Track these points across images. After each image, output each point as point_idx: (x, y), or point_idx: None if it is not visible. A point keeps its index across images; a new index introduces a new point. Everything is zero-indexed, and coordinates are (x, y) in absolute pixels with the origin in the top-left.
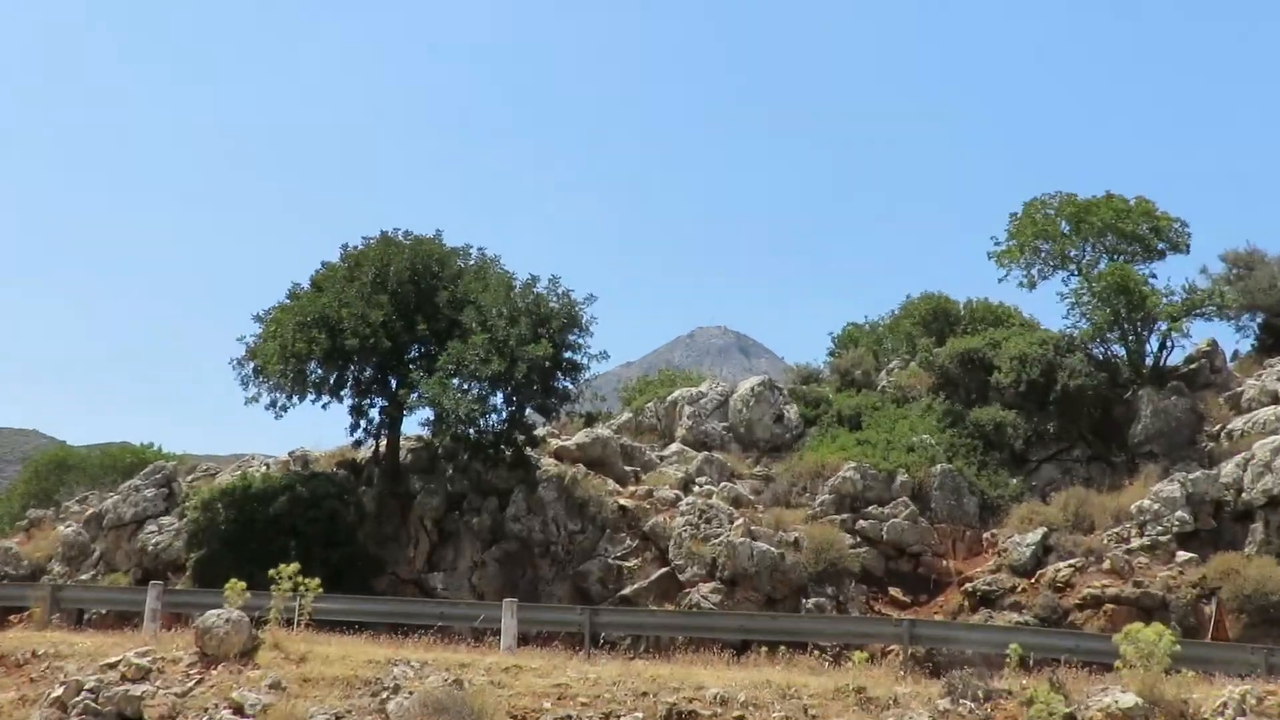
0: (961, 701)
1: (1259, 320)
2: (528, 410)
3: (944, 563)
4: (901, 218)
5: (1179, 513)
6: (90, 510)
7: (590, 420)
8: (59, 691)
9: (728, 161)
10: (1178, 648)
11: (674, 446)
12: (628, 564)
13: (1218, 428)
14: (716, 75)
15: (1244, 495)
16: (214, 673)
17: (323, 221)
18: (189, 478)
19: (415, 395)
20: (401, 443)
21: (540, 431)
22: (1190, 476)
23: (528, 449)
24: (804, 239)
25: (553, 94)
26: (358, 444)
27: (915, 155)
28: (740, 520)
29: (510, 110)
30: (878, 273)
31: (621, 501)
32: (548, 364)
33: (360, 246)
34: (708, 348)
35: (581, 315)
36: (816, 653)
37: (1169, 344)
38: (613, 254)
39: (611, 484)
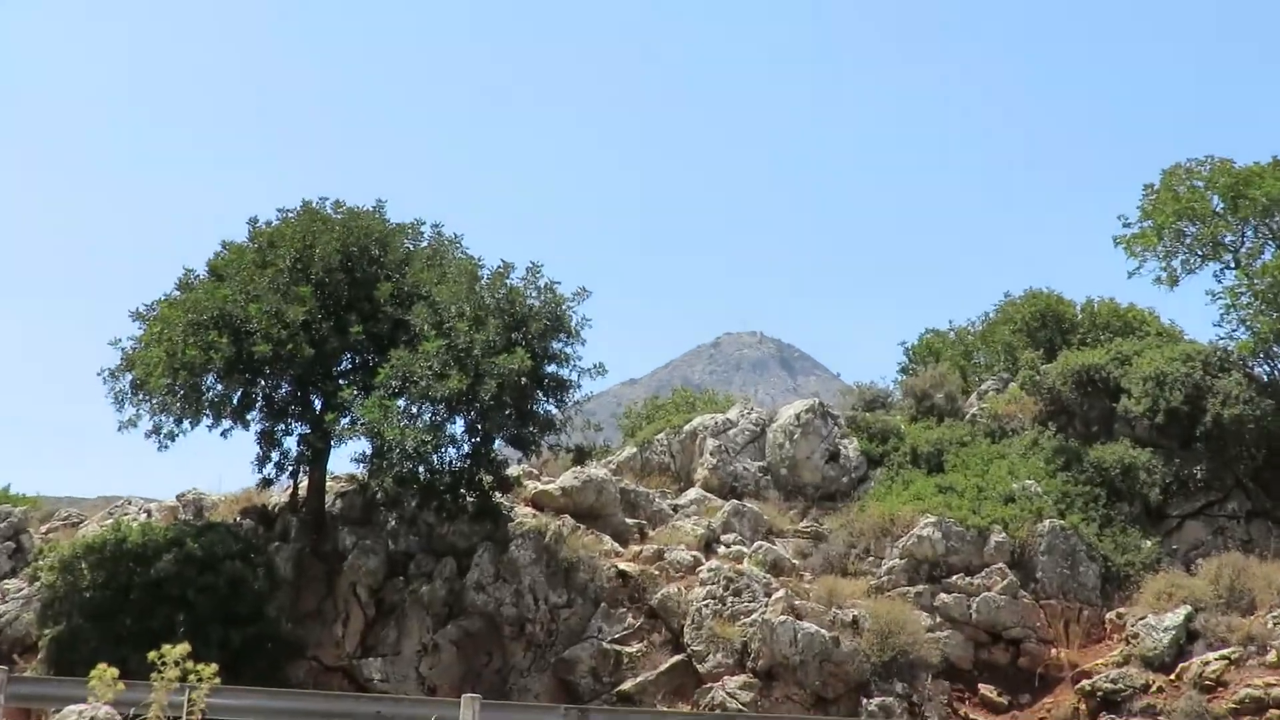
0: None
1: None
2: (497, 443)
3: (1053, 651)
4: (996, 194)
5: None
6: None
7: (581, 457)
8: None
9: (761, 130)
10: None
11: (692, 493)
12: (629, 649)
13: None
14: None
15: None
16: None
17: (234, 191)
18: (43, 529)
19: (347, 421)
20: (328, 484)
21: (514, 471)
22: None
23: (497, 494)
24: (865, 224)
25: (554, 53)
26: (268, 485)
27: (1012, 115)
28: (780, 592)
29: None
30: (967, 265)
31: (622, 566)
32: (524, 381)
33: (275, 222)
34: (738, 361)
35: (570, 316)
36: None
37: None
38: (615, 243)
39: (608, 542)
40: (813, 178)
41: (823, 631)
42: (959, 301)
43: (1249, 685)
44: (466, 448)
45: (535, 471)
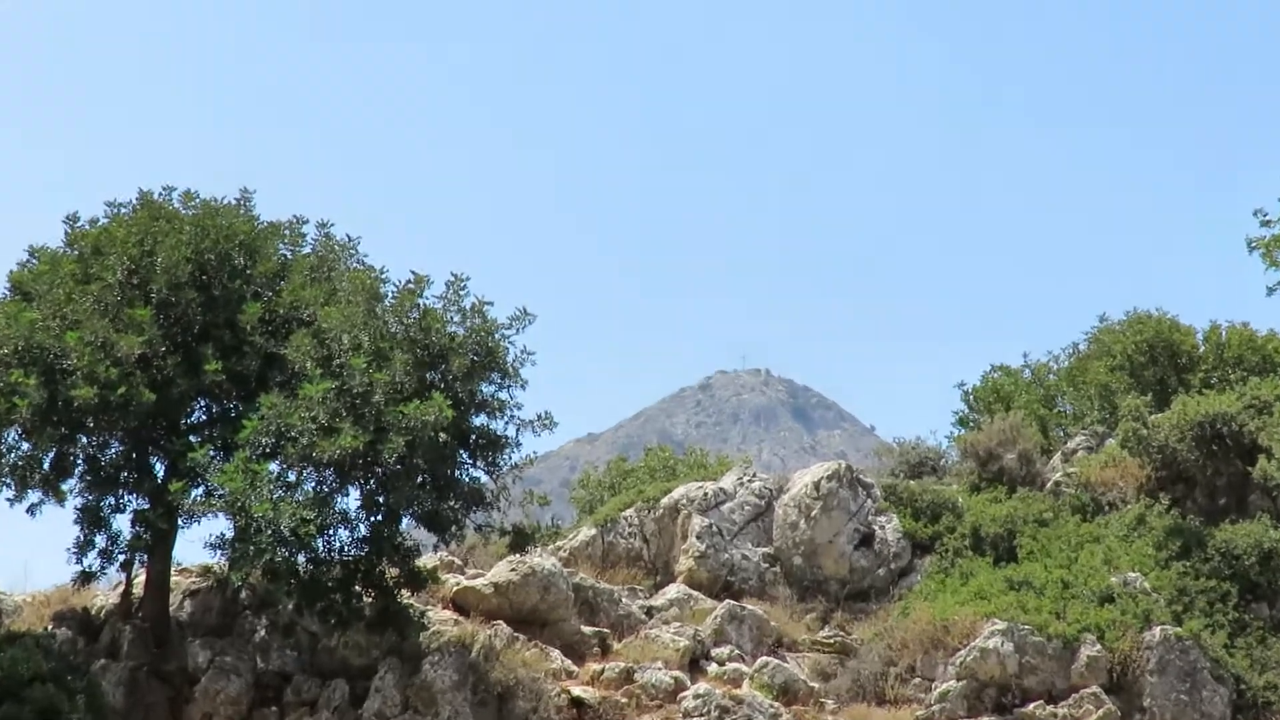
0: None
1: None
2: (406, 522)
3: None
4: (1084, 190)
5: None
6: None
7: (521, 542)
8: None
9: (758, 124)
10: None
11: (673, 590)
12: None
13: None
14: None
15: None
16: None
17: (47, 180)
18: None
19: (200, 492)
20: (173, 580)
21: (429, 561)
22: None
23: (405, 593)
24: (905, 235)
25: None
26: (90, 580)
27: (1100, 88)
28: None
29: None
30: (1046, 282)
31: (576, 691)
32: (444, 437)
33: (103, 221)
34: (735, 409)
35: (506, 348)
36: None
37: None
38: (569, 258)
39: (558, 658)
40: (829, 176)
41: None
42: (1037, 330)
43: None
44: (364, 529)
45: (458, 562)
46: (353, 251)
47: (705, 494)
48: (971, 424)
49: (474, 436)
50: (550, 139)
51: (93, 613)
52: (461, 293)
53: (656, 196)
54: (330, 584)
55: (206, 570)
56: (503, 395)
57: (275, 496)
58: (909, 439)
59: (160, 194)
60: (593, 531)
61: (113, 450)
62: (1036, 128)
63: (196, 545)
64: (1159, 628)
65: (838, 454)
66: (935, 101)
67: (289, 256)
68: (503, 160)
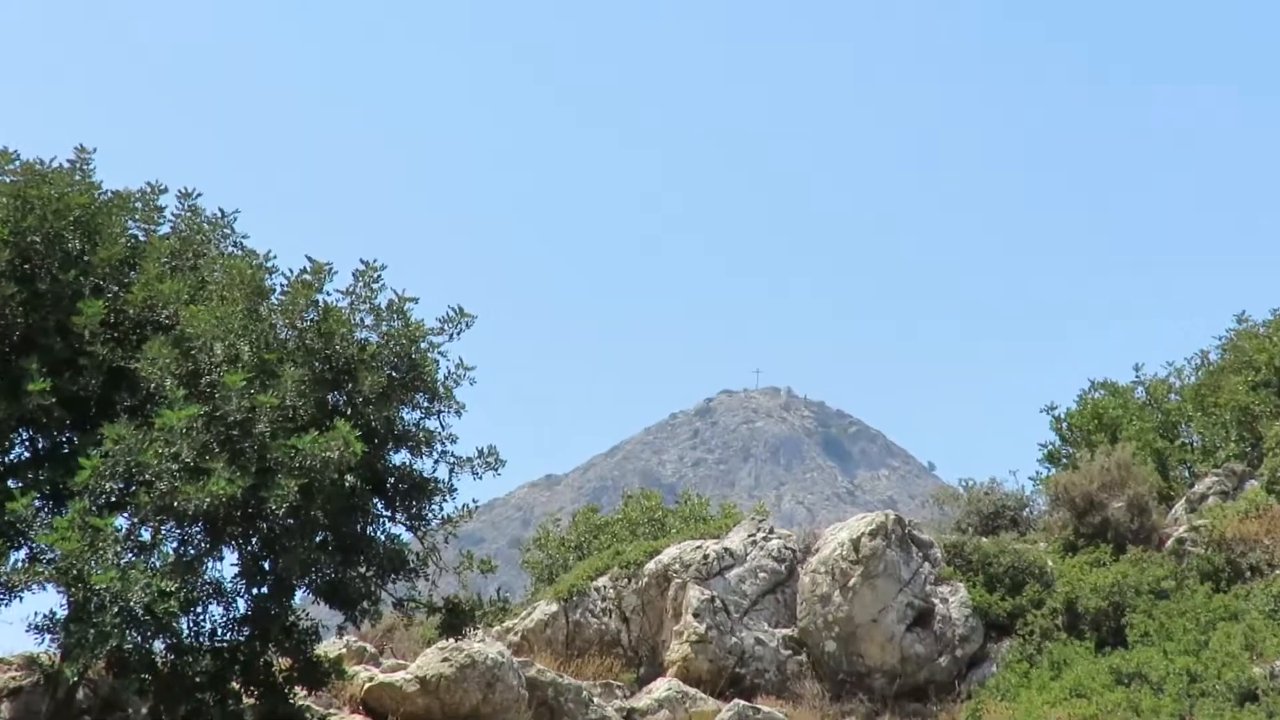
0: None
1: None
2: (300, 596)
3: None
4: (1217, 162)
5: None
6: None
7: (455, 621)
8: None
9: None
10: None
11: (663, 686)
12: None
13: None
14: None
15: None
16: None
17: None
18: None
19: (21, 556)
20: None
21: (332, 649)
22: None
23: (299, 692)
24: (964, 218)
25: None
26: None
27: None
28: None
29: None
30: (1167, 276)
31: None
32: (352, 481)
33: None
34: (745, 441)
35: (434, 361)
36: None
37: None
38: (520, 245)
39: None
40: (860, 157)
41: None
42: (1153, 335)
43: None
44: (243, 605)
45: (371, 649)
46: (227, 231)
47: (705, 557)
48: (1065, 461)
49: (392, 479)
50: (504, 99)
51: None
52: (375, 286)
53: (640, 170)
54: (198, 679)
55: (31, 661)
56: (431, 424)
57: (123, 562)
58: (980, 481)
59: None
60: (553, 608)
61: None
62: (1130, 84)
63: (18, 628)
64: None
65: (884, 501)
66: (996, 70)
67: (141, 238)
68: (438, 124)
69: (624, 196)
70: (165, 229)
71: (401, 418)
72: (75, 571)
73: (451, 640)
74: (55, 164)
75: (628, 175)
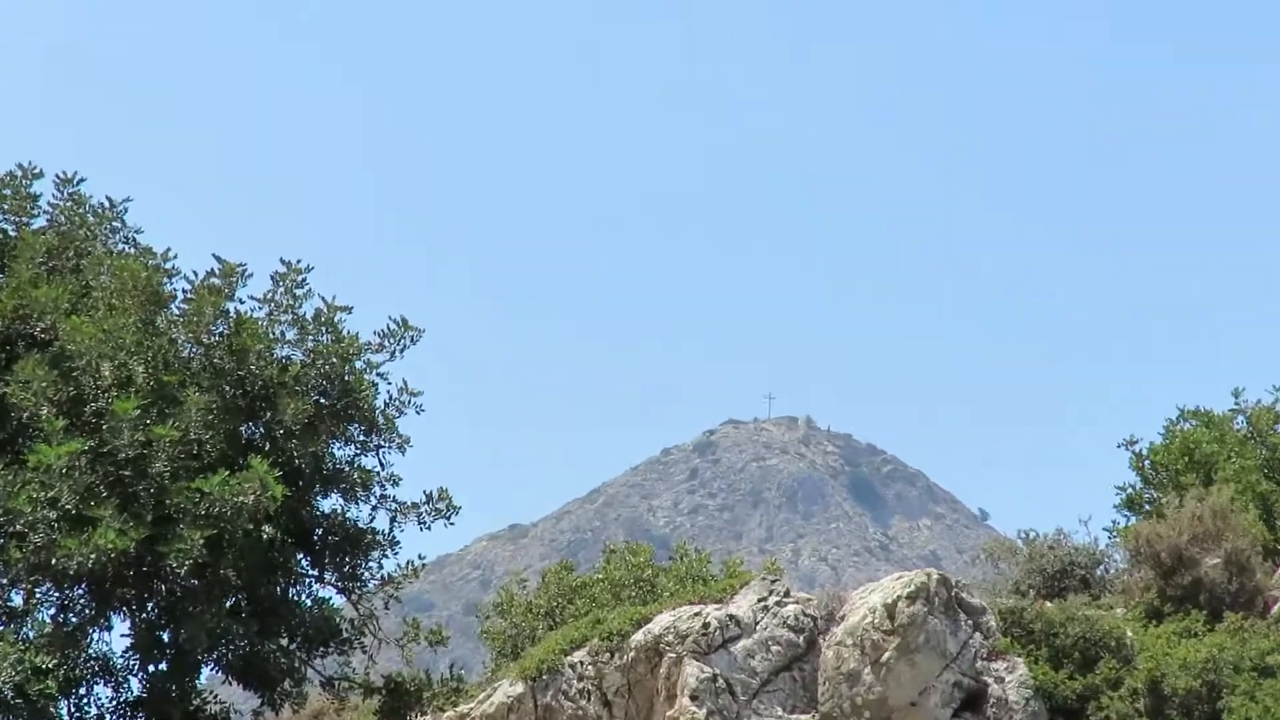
0: None
1: None
2: (207, 673)
3: None
4: None
5: None
6: None
7: (398, 704)
8: None
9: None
10: None
11: None
12: None
13: None
14: None
15: None
16: None
17: None
18: None
19: None
20: None
21: None
22: None
23: None
24: (1018, 220)
25: None
26: None
27: None
28: None
29: None
30: (1267, 279)
31: None
32: (271, 533)
33: None
34: (756, 482)
35: (372, 385)
36: None
37: None
38: (484, 257)
39: None
40: (897, 162)
41: None
42: (1256, 353)
43: None
44: (137, 684)
45: None
46: (117, 225)
47: (706, 626)
48: (1148, 508)
49: (320, 530)
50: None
51: None
52: (299, 293)
53: (623, 159)
54: None
55: None
56: (368, 462)
57: None
58: (1044, 532)
59: None
60: (518, 689)
61: None
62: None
63: None
64: None
65: (925, 558)
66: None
67: (10, 232)
68: (409, 125)
69: (608, 188)
70: (40, 222)
71: (332, 454)
72: None
73: None
74: None
75: (609, 163)
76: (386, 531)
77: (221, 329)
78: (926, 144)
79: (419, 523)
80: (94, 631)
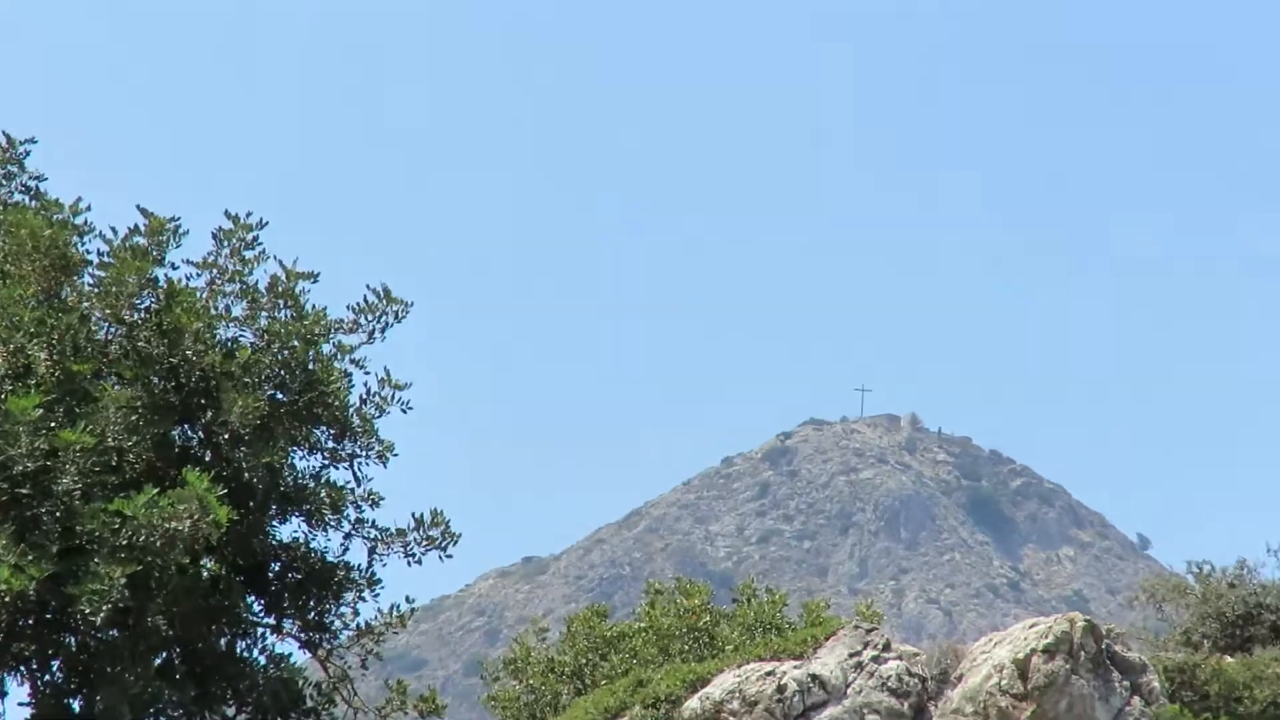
0: None
1: None
2: None
3: None
4: None
5: None
6: None
7: None
8: None
9: None
10: None
11: None
12: None
13: None
14: None
15: None
16: None
17: None
18: None
19: None
20: None
21: None
22: None
23: None
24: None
25: None
26: None
27: None
28: None
29: None
30: None
31: None
32: (215, 570)
33: None
34: (845, 500)
35: (342, 376)
36: None
37: None
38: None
39: None
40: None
41: None
42: None
43: None
44: None
45: None
46: (13, 170)
47: (782, 689)
48: None
49: (278, 566)
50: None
51: None
52: (250, 256)
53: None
54: None
55: None
56: (340, 476)
57: None
58: (1223, 567)
59: None
60: None
61: None
62: None
63: None
64: None
65: (1068, 599)
66: None
67: None
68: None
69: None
70: None
71: (292, 465)
72: None
73: None
74: None
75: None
76: (364, 567)
77: (148, 303)
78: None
79: (406, 555)
80: None
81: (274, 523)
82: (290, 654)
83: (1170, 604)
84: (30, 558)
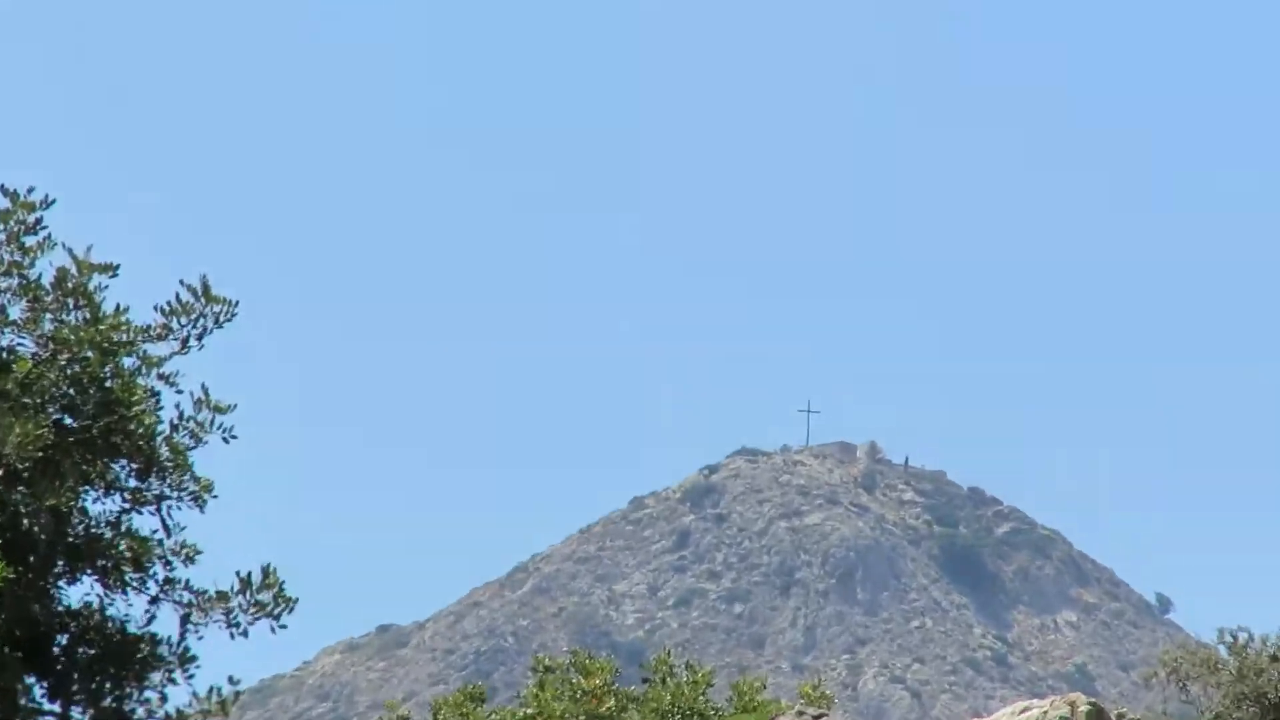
0: None
1: None
2: None
3: None
4: None
5: None
6: None
7: None
8: None
9: None
10: None
11: None
12: None
13: None
14: None
15: None
16: None
17: None
18: None
19: None
20: None
21: None
22: None
23: None
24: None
25: None
26: None
27: None
28: None
29: None
30: None
31: None
32: None
33: None
34: (787, 551)
35: (146, 395)
36: None
37: None
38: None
39: None
40: None
41: None
42: None
43: None
44: None
45: None
46: None
47: None
48: None
49: (66, 638)
50: None
51: None
52: (31, 244)
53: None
54: None
55: None
56: (144, 523)
57: None
58: (1261, 635)
59: None
60: None
61: None
62: None
63: None
64: None
65: (1069, 676)
66: None
67: None
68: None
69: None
70: None
71: (84, 510)
72: None
73: None
74: None
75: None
76: (174, 640)
77: None
78: None
79: (229, 625)
80: None
81: (60, 583)
82: None
83: (1198, 682)
84: None
